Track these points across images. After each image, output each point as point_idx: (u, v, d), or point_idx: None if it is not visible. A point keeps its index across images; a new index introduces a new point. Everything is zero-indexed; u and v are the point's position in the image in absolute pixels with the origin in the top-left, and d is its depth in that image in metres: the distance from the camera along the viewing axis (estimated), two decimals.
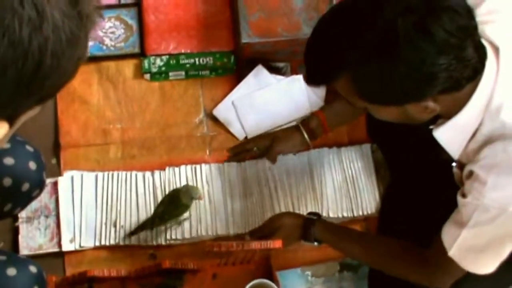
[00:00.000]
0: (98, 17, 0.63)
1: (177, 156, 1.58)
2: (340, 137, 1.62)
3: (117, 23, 1.65)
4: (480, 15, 1.01)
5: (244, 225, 1.51)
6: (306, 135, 1.49)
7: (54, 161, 1.54)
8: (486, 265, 1.08)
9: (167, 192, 1.49)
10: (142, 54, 1.63)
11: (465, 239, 1.05)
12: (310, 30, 1.04)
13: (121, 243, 1.47)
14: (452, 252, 1.07)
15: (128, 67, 1.64)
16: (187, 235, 1.48)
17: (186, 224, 1.49)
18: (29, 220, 1.47)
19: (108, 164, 1.55)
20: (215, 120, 1.62)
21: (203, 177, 1.55)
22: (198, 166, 1.55)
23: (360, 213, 1.55)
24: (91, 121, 1.59)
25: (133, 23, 1.65)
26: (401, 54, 0.90)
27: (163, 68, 1.62)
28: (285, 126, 1.59)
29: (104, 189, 1.51)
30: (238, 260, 1.43)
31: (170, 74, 1.63)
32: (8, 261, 1.09)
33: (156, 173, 1.54)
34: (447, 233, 1.08)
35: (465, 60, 0.92)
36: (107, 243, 1.47)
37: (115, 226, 1.48)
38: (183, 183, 1.53)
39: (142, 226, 1.46)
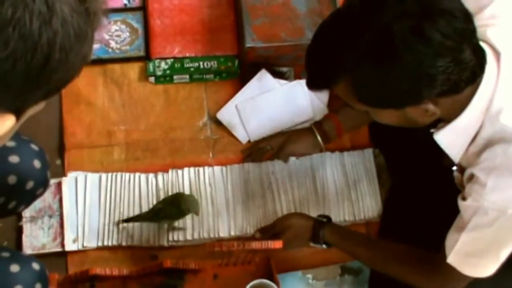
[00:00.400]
0: (104, 16, 0.65)
1: (180, 159, 1.59)
2: (343, 141, 1.63)
3: (123, 26, 1.67)
4: (484, 19, 1.03)
5: (246, 228, 1.52)
6: (319, 137, 1.50)
7: (58, 161, 1.56)
8: (485, 269, 1.08)
9: (169, 194, 1.51)
10: (147, 57, 1.65)
11: (464, 243, 1.06)
12: None
13: (124, 243, 1.48)
14: (451, 259, 1.07)
15: (133, 70, 1.66)
16: (189, 237, 1.49)
17: (189, 226, 1.49)
18: (33, 219, 1.48)
19: (112, 166, 1.56)
20: (218, 123, 1.63)
21: (206, 179, 1.56)
22: (201, 169, 1.56)
23: (362, 217, 1.56)
24: (95, 123, 1.60)
25: (138, 26, 1.67)
26: (397, 57, 0.90)
27: (168, 72, 1.63)
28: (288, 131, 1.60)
29: (107, 190, 1.52)
30: (239, 261, 1.44)
31: (175, 77, 1.65)
32: (11, 258, 1.10)
33: (160, 175, 1.55)
34: (449, 239, 1.09)
35: (462, 63, 0.92)
36: (110, 244, 1.48)
37: (117, 227, 1.49)
38: (186, 185, 1.54)
39: (137, 217, 1.46)
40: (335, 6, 1.59)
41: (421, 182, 1.43)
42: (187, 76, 1.65)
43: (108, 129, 1.60)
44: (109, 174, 1.53)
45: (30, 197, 1.21)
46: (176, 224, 1.47)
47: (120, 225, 1.48)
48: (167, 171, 1.55)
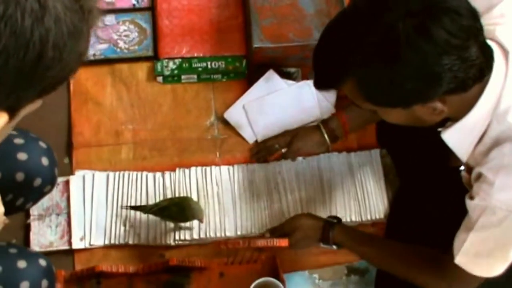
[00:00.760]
0: (100, 13, 0.65)
1: (187, 158, 1.60)
2: (350, 142, 1.63)
3: (131, 26, 1.68)
4: (493, 17, 1.02)
5: (253, 227, 1.52)
6: (325, 135, 1.50)
7: (66, 160, 1.57)
8: (493, 269, 1.07)
9: (176, 194, 1.51)
10: (155, 57, 1.66)
11: (472, 243, 1.05)
12: None
13: (131, 242, 1.48)
14: (459, 259, 1.07)
15: (141, 69, 1.66)
16: (195, 236, 1.49)
17: (195, 226, 1.50)
18: (40, 217, 1.49)
19: (120, 164, 1.57)
20: (226, 123, 1.64)
21: (213, 179, 1.56)
22: (208, 168, 1.57)
23: (368, 217, 1.55)
24: (103, 122, 1.61)
25: (147, 26, 1.68)
26: (402, 56, 0.90)
27: (176, 71, 1.64)
28: None
29: (115, 188, 1.53)
30: (245, 259, 1.44)
31: (183, 77, 1.65)
32: (19, 254, 1.11)
33: (167, 174, 1.55)
34: (457, 239, 1.08)
35: (469, 60, 0.92)
36: (117, 242, 1.48)
37: (124, 225, 1.49)
38: (193, 184, 1.54)
39: (141, 207, 1.46)
40: (342, 7, 1.59)
41: (428, 182, 1.43)
42: (195, 76, 1.66)
43: (116, 128, 1.61)
44: (117, 173, 1.54)
45: (37, 194, 1.22)
46: (182, 223, 1.47)
47: (127, 224, 1.49)
48: (174, 170, 1.56)
